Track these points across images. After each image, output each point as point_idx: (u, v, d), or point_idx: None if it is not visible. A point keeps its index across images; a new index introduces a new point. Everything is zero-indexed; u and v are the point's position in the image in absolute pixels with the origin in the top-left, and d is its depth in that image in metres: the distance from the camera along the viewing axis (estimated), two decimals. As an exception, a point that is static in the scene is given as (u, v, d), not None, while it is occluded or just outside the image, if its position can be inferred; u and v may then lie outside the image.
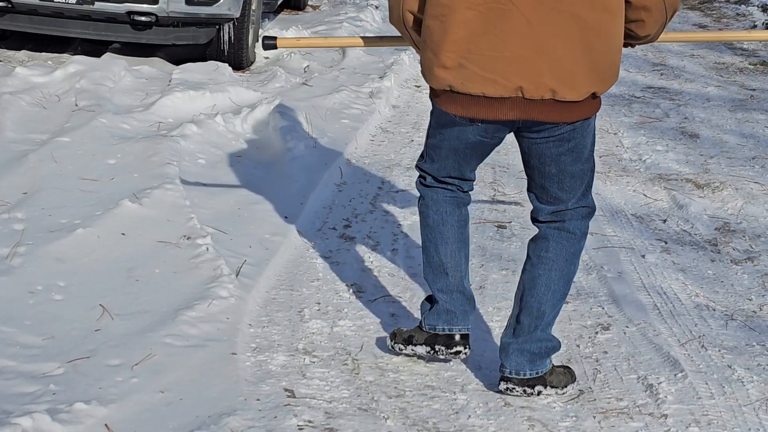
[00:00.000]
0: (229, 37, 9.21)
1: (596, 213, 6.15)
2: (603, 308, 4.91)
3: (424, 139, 4.18)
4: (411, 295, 4.92)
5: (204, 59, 9.12)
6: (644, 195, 6.68)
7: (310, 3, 13.59)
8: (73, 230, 5.05)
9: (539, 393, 4.05)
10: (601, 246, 5.69)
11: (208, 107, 7.50)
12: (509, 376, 4.03)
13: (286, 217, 5.68)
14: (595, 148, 7.54)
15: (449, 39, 3.69)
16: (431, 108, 4.03)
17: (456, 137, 3.94)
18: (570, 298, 4.96)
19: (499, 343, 4.11)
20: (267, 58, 10.02)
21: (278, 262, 5.16)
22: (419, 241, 4.37)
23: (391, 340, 4.27)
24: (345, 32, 11.30)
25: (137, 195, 5.48)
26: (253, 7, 9.62)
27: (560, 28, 3.63)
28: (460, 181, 4.14)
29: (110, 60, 8.55)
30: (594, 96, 3.79)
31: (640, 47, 12.00)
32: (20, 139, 6.56)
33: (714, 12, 15.22)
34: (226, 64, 8.90)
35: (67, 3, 8.51)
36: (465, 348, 4.18)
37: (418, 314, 4.57)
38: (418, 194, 4.23)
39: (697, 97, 9.68)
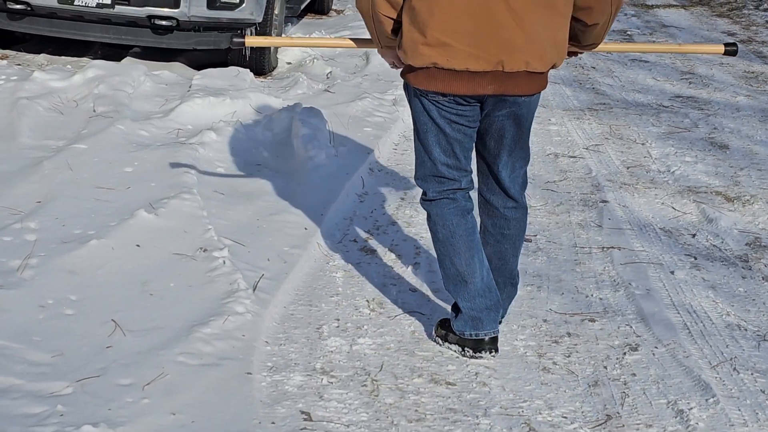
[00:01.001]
0: (251, 43, 9.08)
1: (624, 227, 6.04)
2: (631, 327, 4.76)
3: (414, 146, 4.35)
4: (433, 312, 4.78)
5: (225, 64, 9.02)
6: (673, 208, 6.52)
7: (334, 7, 13.48)
8: (87, 241, 4.93)
9: None
10: (628, 261, 5.53)
11: (229, 114, 7.37)
12: (500, 320, 4.54)
13: (305, 229, 5.54)
14: (623, 158, 7.48)
15: (437, 19, 3.95)
16: (409, 104, 4.35)
17: (438, 115, 4.19)
18: (596, 316, 4.84)
19: (521, 362, 3.99)
20: (289, 63, 9.90)
21: (297, 276, 5.03)
22: (440, 256, 4.32)
23: (435, 331, 4.52)
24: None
25: (153, 205, 5.36)
26: (276, 11, 9.50)
27: (533, 9, 3.96)
28: (459, 173, 4.30)
29: (130, 65, 8.45)
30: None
31: (668, 56, 11.84)
32: (36, 146, 6.45)
33: (743, 19, 15.01)
34: (248, 70, 8.77)
35: (87, 6, 8.42)
36: (492, 352, 4.36)
37: (440, 333, 4.48)
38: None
39: (726, 107, 9.49)
